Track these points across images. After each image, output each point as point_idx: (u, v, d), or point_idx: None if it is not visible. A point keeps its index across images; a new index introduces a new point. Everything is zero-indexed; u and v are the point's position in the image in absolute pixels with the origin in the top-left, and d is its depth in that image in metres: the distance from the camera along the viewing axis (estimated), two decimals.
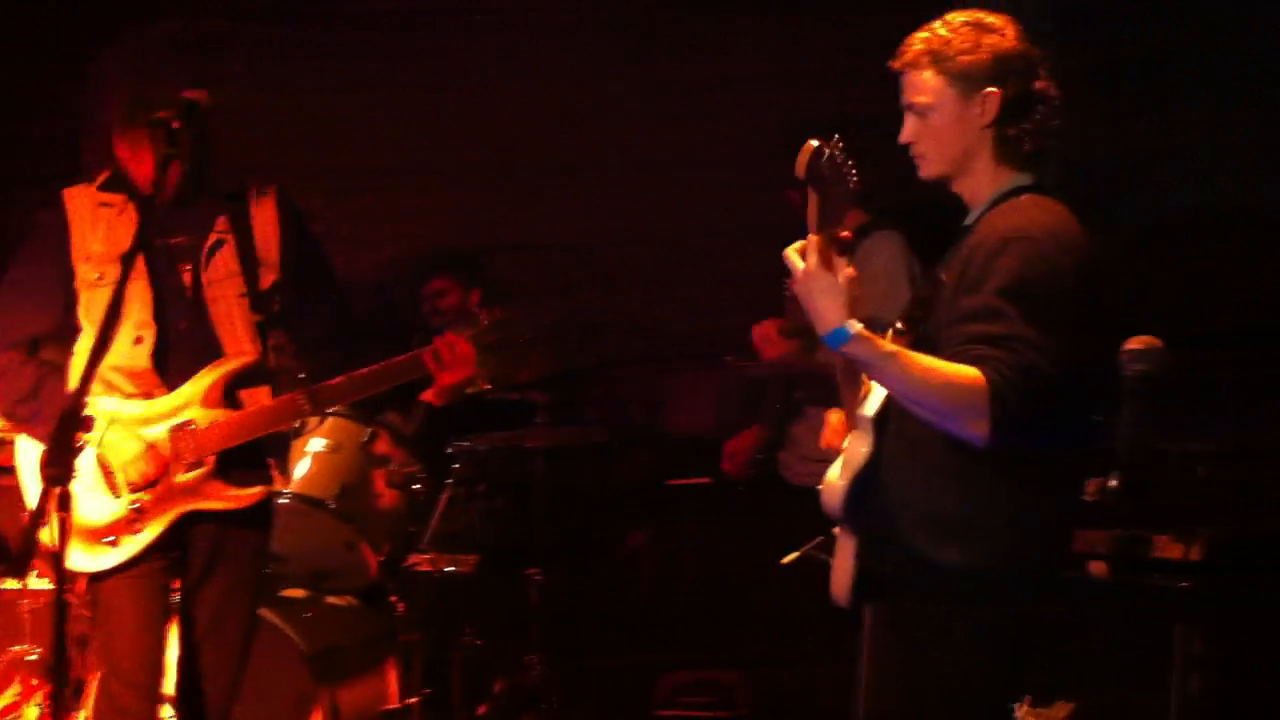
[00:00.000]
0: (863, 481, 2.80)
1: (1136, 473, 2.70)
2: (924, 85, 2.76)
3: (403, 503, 4.46)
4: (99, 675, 3.55)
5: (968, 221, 2.81)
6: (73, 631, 3.95)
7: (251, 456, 3.46)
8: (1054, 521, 2.72)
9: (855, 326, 2.58)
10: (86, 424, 2.77)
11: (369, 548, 4.35)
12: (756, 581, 4.65)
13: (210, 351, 3.41)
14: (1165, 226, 4.42)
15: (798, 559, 3.34)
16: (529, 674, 4.65)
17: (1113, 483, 2.62)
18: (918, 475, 2.74)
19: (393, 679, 4.47)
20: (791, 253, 2.63)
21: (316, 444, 4.38)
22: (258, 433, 3.40)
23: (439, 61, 5.72)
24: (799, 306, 4.08)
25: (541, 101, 5.70)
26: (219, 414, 3.38)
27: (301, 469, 4.35)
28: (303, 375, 3.52)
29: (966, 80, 2.74)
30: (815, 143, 2.57)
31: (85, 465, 3.33)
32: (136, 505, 3.36)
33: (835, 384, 4.15)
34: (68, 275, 3.40)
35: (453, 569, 4.41)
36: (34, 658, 4.40)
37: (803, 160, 2.57)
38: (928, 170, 2.82)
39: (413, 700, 4.41)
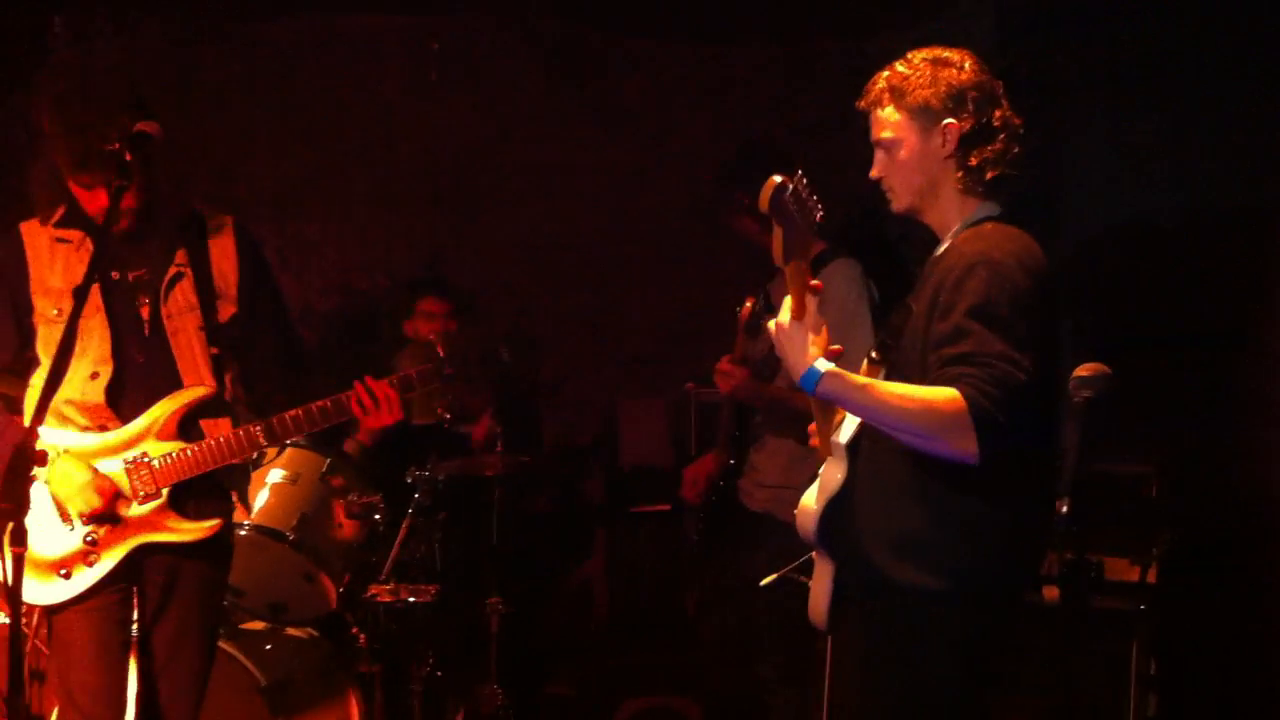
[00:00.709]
0: (836, 506, 2.85)
1: (1085, 495, 2.73)
2: (887, 121, 2.86)
3: (362, 533, 4.45)
4: (57, 709, 3.53)
5: (937, 252, 2.87)
6: (30, 666, 3.93)
7: (208, 488, 3.45)
8: (1020, 541, 2.76)
9: (824, 365, 2.66)
10: (40, 458, 2.77)
11: (328, 578, 4.32)
12: (714, 608, 4.66)
13: (167, 385, 3.40)
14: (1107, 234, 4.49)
15: (776, 581, 3.36)
16: (489, 703, 4.64)
17: (1063, 507, 2.65)
18: (883, 498, 2.81)
19: (354, 710, 4.44)
20: (772, 323, 2.75)
21: (275, 475, 4.36)
22: (213, 465, 3.39)
23: (384, 84, 5.74)
24: (746, 336, 4.16)
25: (483, 122, 5.73)
26: (174, 446, 3.37)
27: (260, 500, 4.32)
28: (248, 401, 3.52)
29: (925, 114, 2.82)
30: (778, 178, 2.63)
31: (40, 498, 3.32)
32: (90, 538, 3.34)
33: (791, 412, 4.22)
34: (25, 310, 3.39)
35: (413, 599, 4.40)
36: None
37: (766, 195, 2.63)
38: (898, 204, 2.91)
39: None
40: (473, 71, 5.73)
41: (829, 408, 2.90)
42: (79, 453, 3.35)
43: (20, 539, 2.69)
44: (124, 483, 3.36)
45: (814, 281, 2.71)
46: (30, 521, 3.21)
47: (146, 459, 3.36)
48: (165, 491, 3.37)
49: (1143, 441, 3.96)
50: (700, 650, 4.71)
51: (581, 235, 5.80)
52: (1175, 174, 4.32)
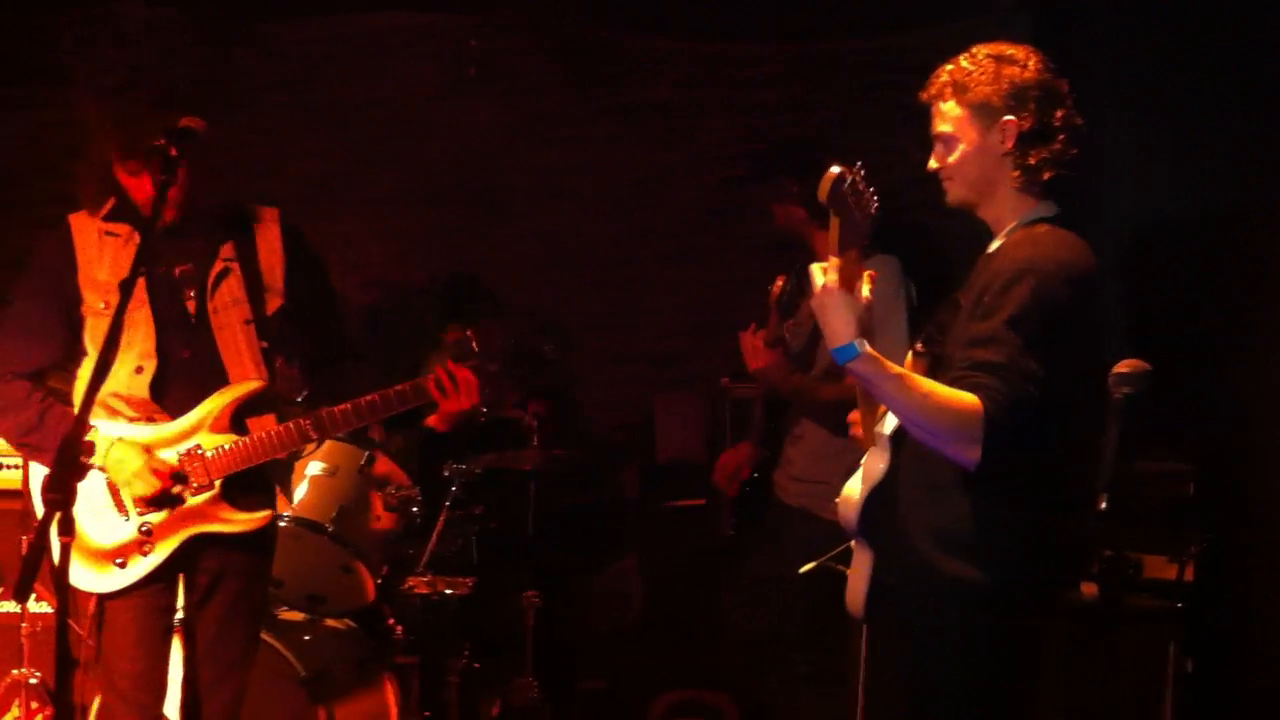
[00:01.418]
0: (878, 495, 2.87)
1: (1123, 493, 2.74)
2: (947, 115, 2.87)
3: (400, 525, 4.48)
4: (100, 697, 3.58)
5: (990, 249, 2.89)
6: (73, 654, 3.98)
7: (257, 481, 3.50)
8: (1055, 539, 2.78)
9: (865, 346, 2.66)
10: (88, 449, 2.80)
11: (366, 570, 4.36)
12: (748, 602, 4.67)
13: (212, 380, 3.44)
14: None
15: (815, 569, 3.38)
16: (525, 695, 4.67)
17: (1101, 504, 2.66)
18: (928, 490, 2.82)
19: (390, 701, 4.48)
20: (816, 269, 2.71)
21: (314, 467, 4.39)
22: (264, 458, 3.44)
23: (413, 83, 5.77)
24: (778, 314, 4.17)
25: (511, 121, 5.76)
26: (226, 439, 3.42)
27: (299, 492, 4.36)
28: (300, 398, 3.56)
29: (986, 110, 2.83)
30: (837, 169, 2.64)
31: (95, 488, 3.37)
32: (145, 528, 3.39)
33: (815, 402, 4.24)
34: (73, 303, 3.43)
35: (449, 591, 4.43)
36: (34, 681, 4.43)
37: (825, 186, 2.64)
38: (953, 196, 2.93)
39: None
40: (499, 71, 5.75)
41: (874, 398, 2.92)
42: (132, 441, 3.39)
43: (68, 529, 2.72)
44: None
45: (869, 273, 2.70)
46: (86, 512, 3.32)
47: (200, 451, 3.41)
48: (218, 483, 3.41)
49: (1181, 439, 3.95)
50: (734, 644, 4.72)
51: (610, 233, 5.82)
52: (1215, 172, 4.30)
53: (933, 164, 2.93)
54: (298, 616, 4.49)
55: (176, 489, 3.39)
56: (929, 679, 2.85)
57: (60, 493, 2.71)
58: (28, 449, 3.48)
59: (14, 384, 3.43)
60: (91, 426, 3.14)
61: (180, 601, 3.52)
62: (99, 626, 3.42)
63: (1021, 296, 2.68)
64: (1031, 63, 2.84)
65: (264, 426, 3.45)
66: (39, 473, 3.44)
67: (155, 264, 3.40)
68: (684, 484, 5.39)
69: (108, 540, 3.39)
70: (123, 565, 3.39)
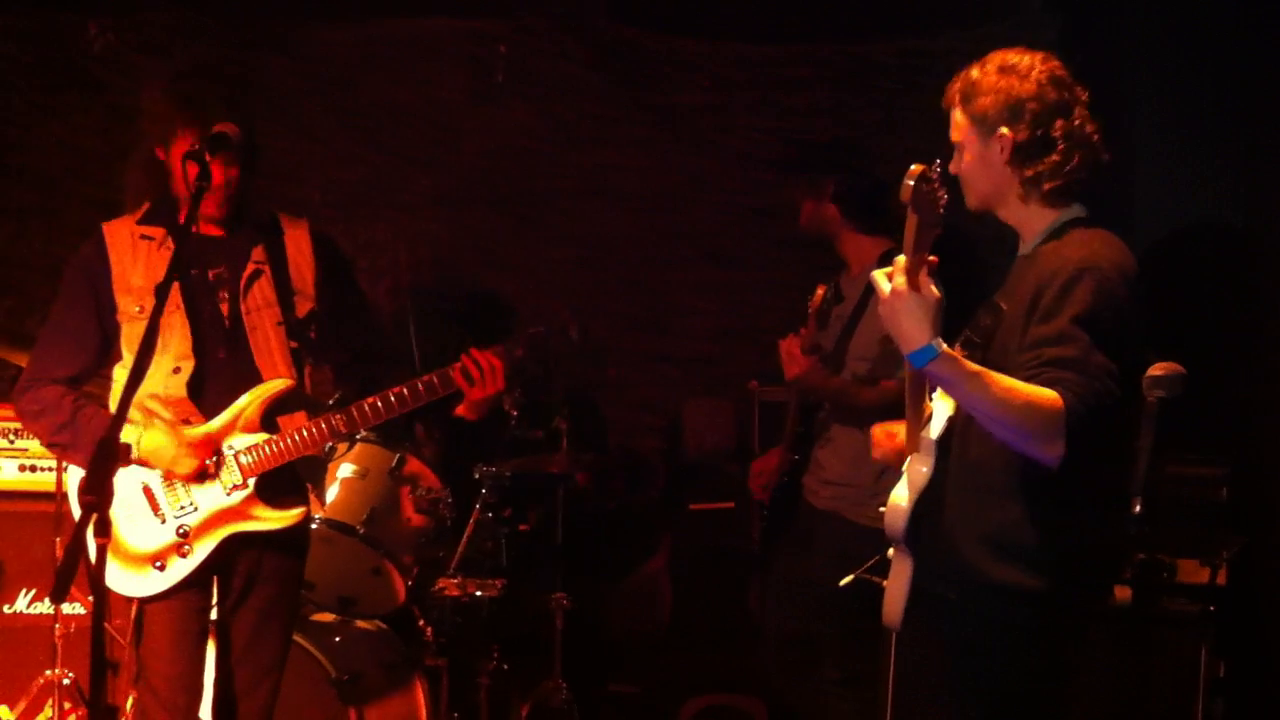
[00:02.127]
0: (925, 502, 2.86)
1: (1157, 497, 2.74)
2: (956, 124, 2.91)
3: (430, 528, 4.50)
4: (134, 697, 3.60)
5: (1023, 252, 2.88)
6: (106, 655, 4.01)
7: (290, 479, 3.54)
8: (1106, 542, 2.77)
9: (942, 345, 2.64)
10: (125, 452, 2.83)
11: (397, 572, 4.37)
12: (778, 606, 4.67)
13: (246, 380, 3.47)
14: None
15: (853, 582, 3.37)
16: (554, 698, 4.67)
17: (1136, 507, 2.66)
18: (977, 495, 2.82)
19: (420, 703, 4.49)
20: (879, 275, 2.70)
21: (345, 469, 4.41)
22: (296, 455, 3.47)
23: (445, 88, 5.79)
24: (816, 324, 4.17)
25: (543, 125, 5.78)
26: (259, 438, 3.45)
27: (330, 494, 4.38)
28: (332, 401, 3.58)
29: (983, 122, 2.86)
30: (919, 167, 2.61)
31: (131, 493, 3.40)
32: (183, 530, 3.42)
33: (854, 407, 4.23)
34: (108, 309, 3.46)
35: (479, 593, 4.44)
36: (67, 682, 4.46)
37: (907, 184, 2.60)
38: (969, 202, 2.94)
39: None
40: (531, 75, 5.77)
41: (920, 402, 2.91)
42: (160, 427, 3.40)
43: (104, 530, 2.74)
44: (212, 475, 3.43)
45: (931, 257, 2.68)
46: (122, 517, 3.35)
47: (233, 450, 3.43)
48: (252, 482, 3.44)
49: (1214, 443, 3.93)
50: (764, 649, 4.72)
51: (641, 237, 5.83)
52: (1247, 172, 4.29)
53: (952, 169, 2.93)
54: (329, 618, 4.52)
55: (212, 464, 3.41)
56: (977, 684, 2.84)
57: (96, 494, 2.73)
58: (59, 448, 3.52)
59: (49, 388, 3.47)
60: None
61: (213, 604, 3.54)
62: (138, 631, 3.44)
63: (1084, 295, 2.68)
64: (1034, 73, 2.83)
65: (295, 425, 3.48)
66: (76, 476, 3.48)
67: (189, 267, 3.44)
68: (713, 486, 5.39)
69: (146, 544, 3.42)
70: (162, 568, 3.41)
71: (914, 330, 2.65)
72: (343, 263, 3.73)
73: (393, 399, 3.49)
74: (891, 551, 3.02)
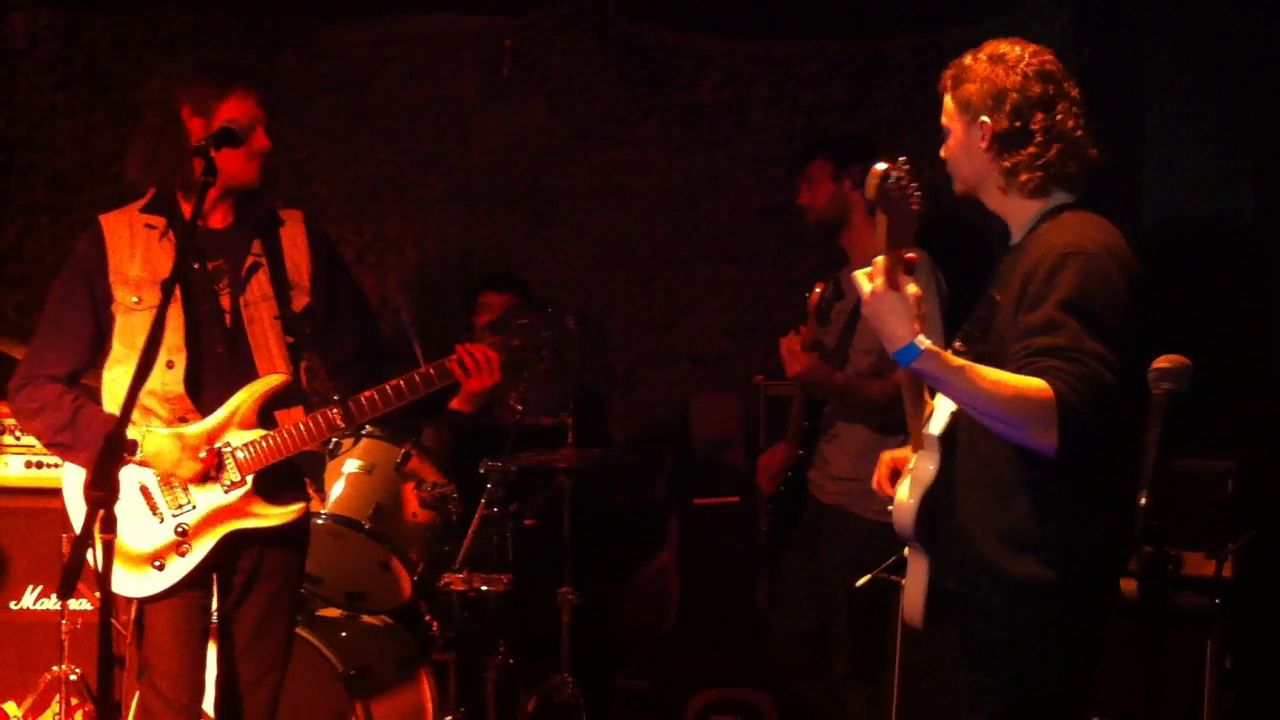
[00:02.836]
0: (932, 499, 2.85)
1: (1164, 490, 2.72)
2: (945, 107, 2.93)
3: (436, 523, 4.50)
4: (138, 694, 3.60)
5: (1014, 241, 2.88)
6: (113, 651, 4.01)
7: (289, 475, 3.52)
8: (1119, 534, 2.76)
9: (924, 342, 2.64)
10: (130, 447, 2.83)
11: (403, 568, 4.37)
12: (785, 601, 4.66)
13: (244, 375, 3.45)
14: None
15: (870, 582, 3.35)
16: (561, 693, 4.67)
17: (1142, 500, 2.64)
18: (992, 491, 2.80)
19: (427, 698, 4.50)
20: (860, 275, 2.70)
21: (351, 465, 4.42)
22: (294, 450, 3.45)
23: (459, 85, 5.79)
24: (816, 322, 4.17)
25: (556, 122, 5.77)
26: (255, 434, 3.43)
27: (336, 490, 4.38)
28: (335, 398, 3.58)
29: (967, 109, 2.87)
30: (882, 165, 2.63)
31: (128, 492, 3.38)
32: (181, 529, 3.41)
33: (861, 401, 4.22)
34: (104, 303, 3.44)
35: (485, 588, 4.44)
36: (74, 678, 4.47)
37: (872, 183, 2.63)
38: (956, 186, 2.97)
39: (447, 719, 4.44)
40: (545, 72, 5.76)
41: (919, 398, 2.90)
42: (161, 431, 3.40)
43: (111, 526, 2.74)
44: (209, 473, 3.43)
45: (909, 254, 2.67)
46: (121, 516, 3.30)
47: (230, 448, 3.43)
48: (250, 479, 3.43)
49: (1221, 436, 3.92)
50: (773, 644, 4.71)
51: (653, 234, 5.82)
52: (1255, 164, 4.28)
53: (942, 152, 2.96)
54: (336, 613, 4.53)
55: (216, 468, 3.41)
56: (992, 680, 2.83)
57: (104, 489, 2.73)
58: (59, 448, 3.48)
59: (47, 386, 3.44)
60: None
61: (215, 602, 3.54)
62: (139, 630, 3.44)
63: (1070, 279, 2.67)
64: (1021, 65, 2.82)
65: (292, 419, 3.46)
66: (73, 479, 3.47)
67: (190, 260, 3.43)
68: (719, 481, 5.39)
69: (144, 544, 3.40)
70: (161, 568, 3.40)
71: (897, 329, 2.65)
72: (337, 257, 3.72)
73: (390, 391, 3.47)
74: (907, 550, 3.02)
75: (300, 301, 3.53)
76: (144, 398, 3.38)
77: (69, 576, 2.76)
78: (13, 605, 4.68)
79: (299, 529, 3.57)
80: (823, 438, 4.44)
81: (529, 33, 5.76)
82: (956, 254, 4.26)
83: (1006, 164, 2.83)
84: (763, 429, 5.26)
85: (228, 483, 3.42)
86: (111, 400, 3.43)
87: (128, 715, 3.98)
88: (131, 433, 3.28)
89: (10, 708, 4.55)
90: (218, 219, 3.50)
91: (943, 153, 2.95)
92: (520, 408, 4.53)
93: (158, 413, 3.43)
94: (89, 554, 2.77)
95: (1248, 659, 3.84)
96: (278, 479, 3.48)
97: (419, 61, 5.78)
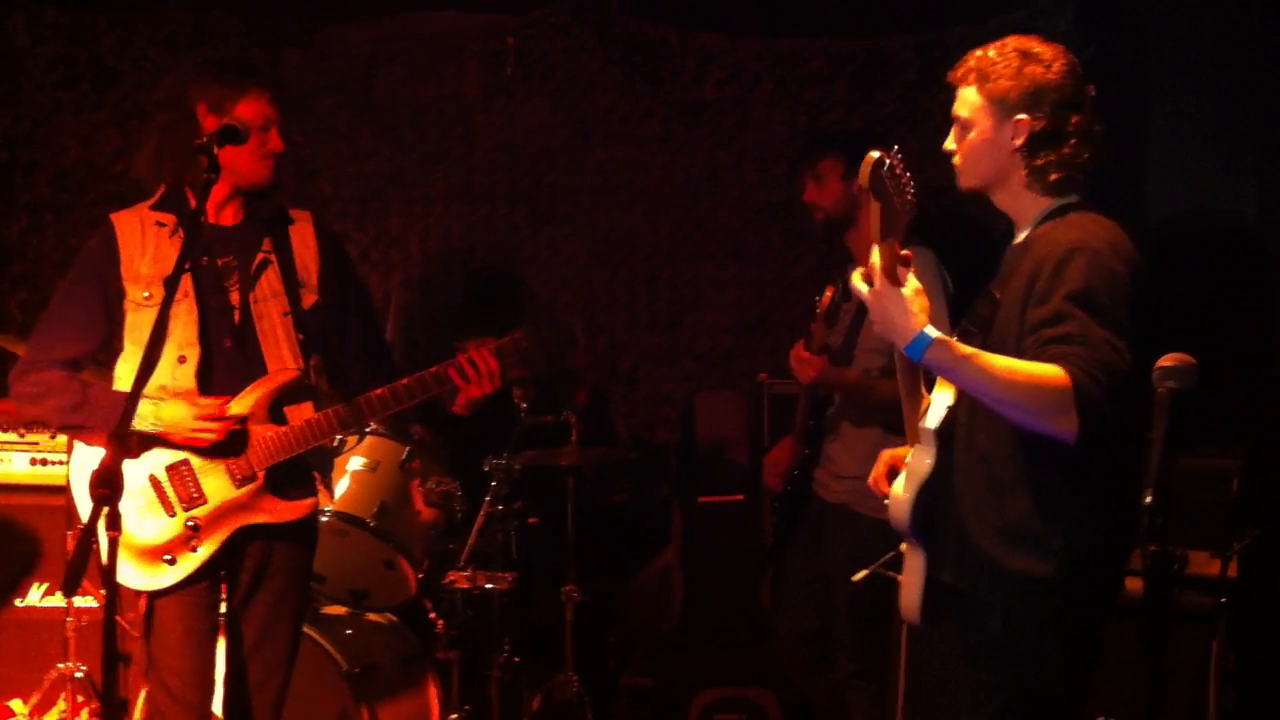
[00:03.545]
0: (929, 494, 2.85)
1: (1169, 489, 2.72)
2: (967, 101, 2.89)
3: (441, 521, 4.50)
4: (146, 692, 3.61)
5: (1017, 240, 2.88)
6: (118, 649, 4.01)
7: (299, 470, 3.53)
8: (1120, 532, 2.76)
9: (933, 332, 2.64)
10: (134, 443, 2.83)
11: (408, 565, 4.38)
12: (790, 600, 4.66)
13: (254, 370, 3.46)
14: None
15: (867, 577, 3.35)
16: (565, 691, 4.68)
17: (1146, 499, 2.64)
18: (988, 485, 2.80)
19: (432, 696, 4.51)
20: (856, 279, 2.70)
21: (355, 462, 4.42)
22: (305, 446, 3.46)
23: (463, 83, 5.79)
24: (824, 325, 4.17)
25: (560, 120, 5.77)
26: (266, 429, 3.44)
27: (341, 487, 4.39)
28: (338, 392, 3.58)
29: (1002, 104, 2.83)
30: (876, 154, 2.63)
31: (140, 487, 3.40)
32: (192, 523, 3.42)
33: (873, 401, 4.22)
34: (115, 298, 3.45)
35: (490, 586, 4.44)
36: (80, 675, 4.48)
37: (865, 172, 2.63)
38: (963, 182, 2.93)
39: (452, 717, 4.44)
40: (549, 70, 5.77)
41: (916, 392, 2.90)
42: (175, 401, 3.40)
43: (116, 523, 2.74)
44: (221, 468, 3.43)
45: (904, 252, 2.68)
46: (132, 510, 3.34)
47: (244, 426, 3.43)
48: (261, 474, 3.44)
49: (1226, 435, 3.92)
50: (777, 643, 4.71)
51: (656, 231, 5.82)
52: (1258, 164, 4.28)
53: (949, 144, 2.93)
54: (340, 611, 4.53)
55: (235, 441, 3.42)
56: (993, 677, 2.83)
57: (109, 487, 2.73)
58: (73, 429, 3.51)
59: (50, 371, 3.45)
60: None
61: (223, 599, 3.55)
62: (149, 625, 3.44)
63: (1077, 273, 2.67)
64: (1056, 65, 2.83)
65: (302, 416, 3.48)
66: (80, 471, 3.48)
67: (199, 256, 3.44)
68: (723, 480, 5.39)
69: (156, 537, 3.40)
70: (172, 562, 3.40)
71: (904, 323, 2.65)
72: (346, 258, 3.75)
73: (402, 390, 3.49)
74: (904, 546, 3.02)
75: (309, 300, 3.55)
76: (155, 392, 3.39)
77: (74, 573, 2.76)
78: (18, 602, 4.69)
79: (308, 526, 3.58)
80: (828, 437, 4.44)
81: (532, 30, 5.76)
82: (959, 251, 4.26)
83: (1039, 162, 2.82)
84: (766, 427, 5.26)
85: (239, 477, 3.43)
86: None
87: (134, 712, 3.98)
88: (144, 408, 3.28)
89: (17, 705, 4.55)
90: (228, 216, 3.52)
91: (955, 146, 2.92)
92: (525, 406, 4.54)
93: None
94: (95, 550, 2.77)
95: (1252, 658, 3.83)
96: (288, 475, 3.49)
97: (422, 60, 5.78)
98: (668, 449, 5.72)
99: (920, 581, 2.94)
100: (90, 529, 2.76)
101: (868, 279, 2.69)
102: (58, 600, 4.65)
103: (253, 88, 3.44)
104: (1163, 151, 4.45)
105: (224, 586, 3.51)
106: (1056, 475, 2.72)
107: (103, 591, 2.86)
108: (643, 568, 5.58)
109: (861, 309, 4.30)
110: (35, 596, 4.69)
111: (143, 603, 3.44)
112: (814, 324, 4.19)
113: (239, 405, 3.42)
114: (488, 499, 4.55)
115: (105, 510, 2.73)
